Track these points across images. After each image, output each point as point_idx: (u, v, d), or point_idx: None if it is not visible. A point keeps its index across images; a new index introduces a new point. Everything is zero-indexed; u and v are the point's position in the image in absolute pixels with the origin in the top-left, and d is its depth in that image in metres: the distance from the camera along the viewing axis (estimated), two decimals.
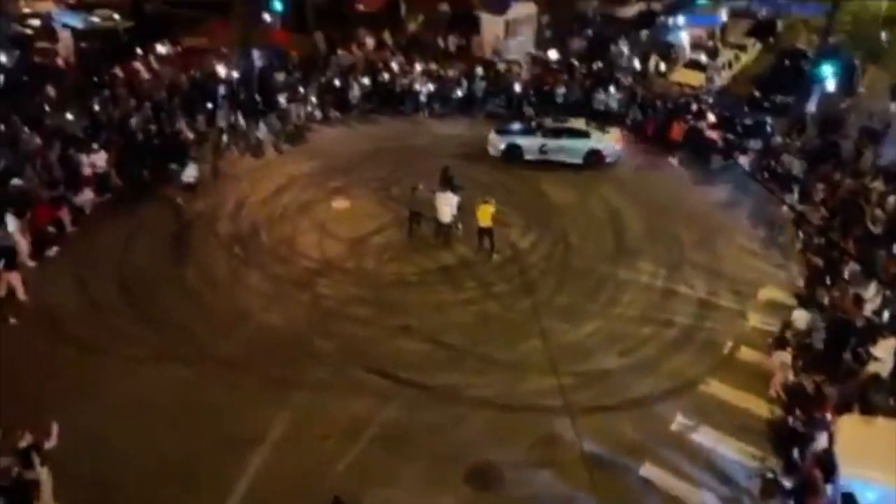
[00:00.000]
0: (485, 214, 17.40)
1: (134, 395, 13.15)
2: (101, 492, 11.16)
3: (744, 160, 21.98)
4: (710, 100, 26.62)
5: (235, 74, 25.59)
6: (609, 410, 13.32)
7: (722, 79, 29.61)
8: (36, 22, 32.68)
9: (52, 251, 17.18)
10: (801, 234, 18.63)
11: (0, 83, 24.75)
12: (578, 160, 22.33)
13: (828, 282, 15.98)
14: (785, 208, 19.42)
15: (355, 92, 26.40)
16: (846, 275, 15.90)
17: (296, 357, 14.38)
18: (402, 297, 16.40)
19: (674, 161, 23.36)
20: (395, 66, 28.08)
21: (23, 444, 10.31)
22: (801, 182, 20.51)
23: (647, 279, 17.36)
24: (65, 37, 28.90)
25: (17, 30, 31.48)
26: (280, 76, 26.41)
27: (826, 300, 15.28)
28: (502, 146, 22.75)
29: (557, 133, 22.72)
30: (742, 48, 32.50)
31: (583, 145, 22.41)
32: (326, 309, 15.80)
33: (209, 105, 24.04)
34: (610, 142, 22.73)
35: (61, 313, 15.26)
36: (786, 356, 13.71)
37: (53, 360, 13.91)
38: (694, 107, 25.03)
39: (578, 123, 23.19)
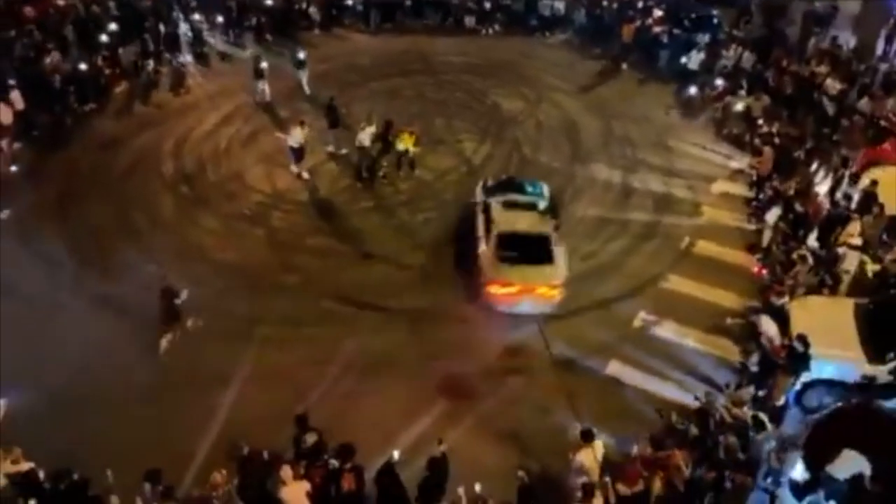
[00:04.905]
0: (407, 141, 17.13)
1: (93, 335, 12.62)
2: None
3: (695, 55, 21.74)
4: None
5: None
6: (573, 314, 13.50)
7: None
8: None
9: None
10: (758, 125, 18.50)
11: None
12: None
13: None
14: (736, 102, 19.38)
15: None
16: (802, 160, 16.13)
17: (257, 292, 14.03)
18: (359, 223, 16.12)
19: (624, 64, 23.05)
20: None
21: None
22: (750, 73, 20.42)
23: (602, 183, 17.44)
24: None
25: None
26: None
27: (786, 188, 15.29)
28: None
29: None
30: None
31: None
32: (283, 242, 15.45)
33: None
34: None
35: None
36: None
37: None
38: (640, 4, 24.52)
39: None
